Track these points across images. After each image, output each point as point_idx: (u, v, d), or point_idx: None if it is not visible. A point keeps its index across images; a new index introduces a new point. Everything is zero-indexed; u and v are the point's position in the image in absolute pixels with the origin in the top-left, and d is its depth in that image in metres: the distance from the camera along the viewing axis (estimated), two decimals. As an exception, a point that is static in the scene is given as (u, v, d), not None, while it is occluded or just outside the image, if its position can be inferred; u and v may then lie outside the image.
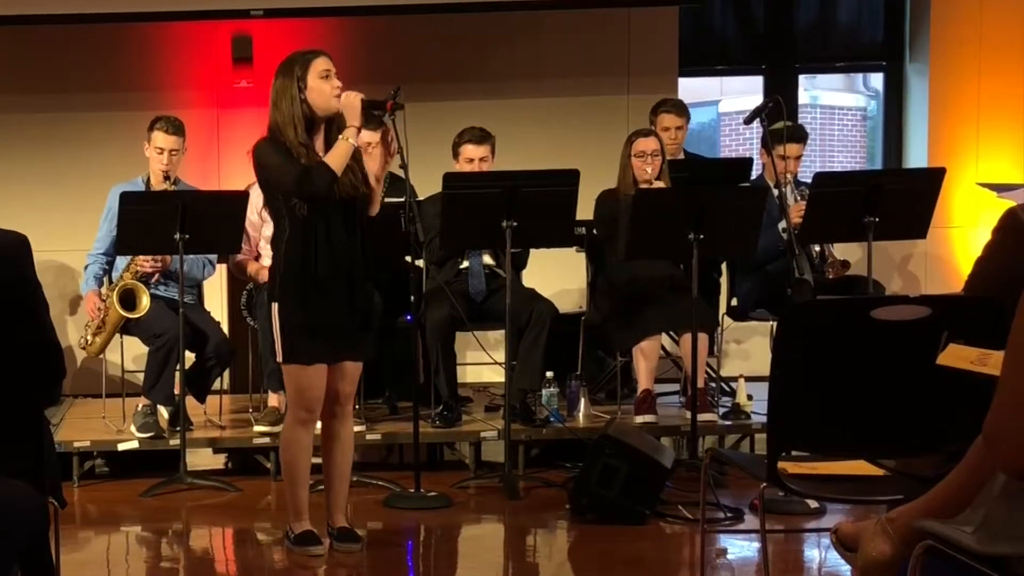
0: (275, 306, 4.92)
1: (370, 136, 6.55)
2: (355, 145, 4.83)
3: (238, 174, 7.46)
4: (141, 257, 6.41)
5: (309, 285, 4.85)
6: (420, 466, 5.91)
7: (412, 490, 5.83)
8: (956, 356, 2.76)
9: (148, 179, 6.57)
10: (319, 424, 5.07)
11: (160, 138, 6.45)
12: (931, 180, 6.32)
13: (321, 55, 4.91)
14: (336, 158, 4.80)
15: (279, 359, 4.98)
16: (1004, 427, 2.31)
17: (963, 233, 8.19)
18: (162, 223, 5.95)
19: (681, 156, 7.24)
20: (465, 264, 6.62)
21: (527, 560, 5.34)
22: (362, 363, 5.06)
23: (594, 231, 6.83)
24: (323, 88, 4.83)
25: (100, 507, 5.97)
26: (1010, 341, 2.31)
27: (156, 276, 6.47)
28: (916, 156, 8.56)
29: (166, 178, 6.43)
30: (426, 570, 5.21)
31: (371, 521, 5.56)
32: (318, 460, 5.11)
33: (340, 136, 4.83)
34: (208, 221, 6.04)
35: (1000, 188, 7.28)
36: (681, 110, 7.24)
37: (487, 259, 6.63)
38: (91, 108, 7.89)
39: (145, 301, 6.34)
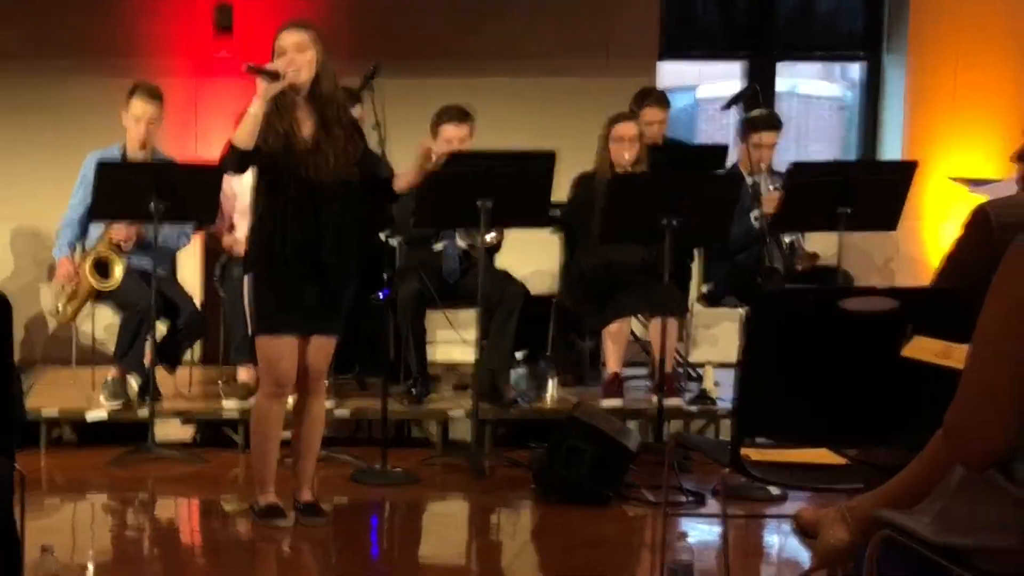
0: (247, 278, 4.94)
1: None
2: (257, 114, 4.72)
3: (216, 145, 7.42)
4: (116, 227, 6.38)
5: (278, 261, 4.86)
6: (387, 443, 5.93)
7: (379, 466, 5.85)
8: (921, 348, 2.80)
9: (124, 147, 6.54)
10: (291, 399, 5.09)
11: (138, 106, 6.42)
12: (903, 173, 6.36)
13: (286, 28, 4.86)
14: (239, 133, 4.75)
15: (250, 331, 5.00)
16: (964, 421, 2.34)
17: (934, 226, 8.23)
18: (138, 192, 5.93)
19: (661, 142, 7.25)
20: (439, 246, 6.61)
21: (491, 538, 5.37)
22: (334, 339, 5.06)
23: (564, 214, 6.82)
24: (278, 67, 4.79)
25: (67, 475, 5.96)
26: (975, 337, 2.34)
27: (130, 243, 6.42)
28: (891, 148, 8.59)
29: (143, 147, 6.40)
30: (390, 546, 5.23)
31: (337, 496, 5.57)
32: (287, 435, 5.12)
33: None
34: (184, 191, 6.03)
35: (973, 183, 7.32)
36: (664, 103, 7.26)
37: (460, 242, 6.62)
38: (68, 72, 7.82)
39: (119, 272, 6.32)
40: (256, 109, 4.73)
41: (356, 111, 6.53)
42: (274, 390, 4.98)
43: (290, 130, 4.82)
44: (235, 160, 4.82)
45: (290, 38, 4.81)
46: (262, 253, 4.91)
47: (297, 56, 4.79)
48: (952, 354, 2.70)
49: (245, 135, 4.74)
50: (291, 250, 4.85)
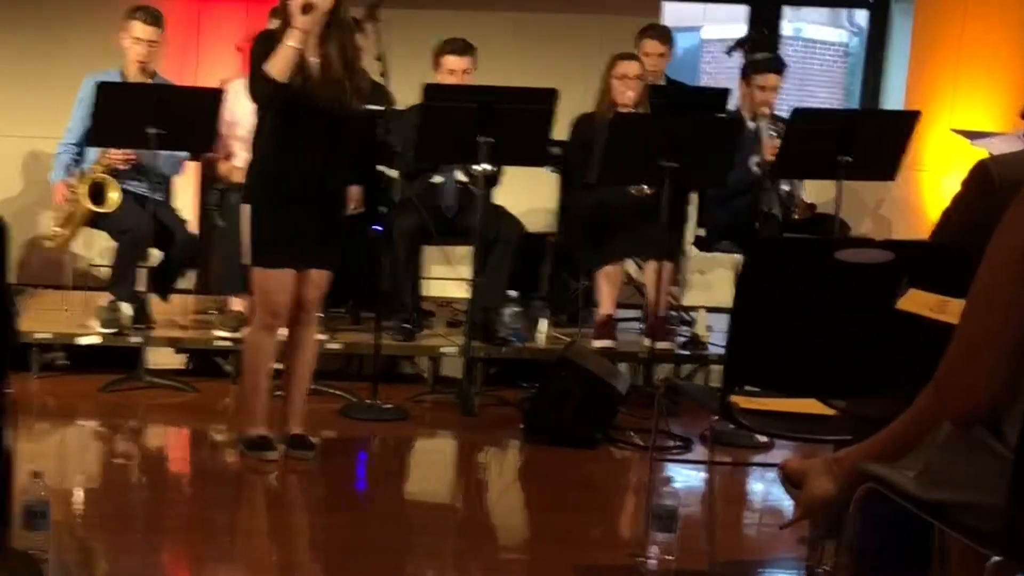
0: (245, 208, 4.91)
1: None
2: (297, 47, 4.67)
3: (217, 70, 7.38)
4: (113, 151, 6.34)
5: (278, 191, 4.83)
6: (378, 377, 5.93)
7: (368, 401, 5.85)
8: (916, 302, 2.78)
9: (123, 71, 6.47)
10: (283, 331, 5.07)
11: (138, 28, 6.35)
12: (905, 123, 6.33)
13: None
14: (275, 63, 4.68)
15: (246, 261, 4.97)
16: (955, 375, 2.33)
17: (934, 177, 8.21)
18: (137, 117, 5.87)
19: (662, 82, 7.20)
20: (438, 179, 6.59)
21: (478, 477, 5.38)
22: (329, 272, 5.04)
23: (564, 153, 6.79)
24: None
25: (58, 400, 5.96)
26: (970, 292, 2.32)
27: (127, 167, 6.38)
28: (893, 97, 8.55)
29: (143, 70, 6.35)
30: (377, 481, 5.24)
31: (326, 430, 5.57)
32: (279, 367, 5.12)
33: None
34: (183, 117, 5.97)
35: (974, 135, 7.28)
36: (665, 37, 7.19)
37: (459, 175, 6.60)
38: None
39: (115, 196, 6.28)
40: (294, 42, 4.67)
41: (359, 41, 6.50)
42: (269, 322, 4.95)
43: (307, 60, 4.76)
44: (269, 92, 4.74)
45: None
46: (265, 184, 4.87)
47: None
48: (947, 308, 2.68)
49: (283, 66, 4.68)
50: (297, 182, 4.81)
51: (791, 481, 2.83)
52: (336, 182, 4.88)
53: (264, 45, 4.77)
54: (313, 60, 4.79)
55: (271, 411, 5.07)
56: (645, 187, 6.30)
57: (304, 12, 4.66)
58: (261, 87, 4.75)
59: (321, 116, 4.77)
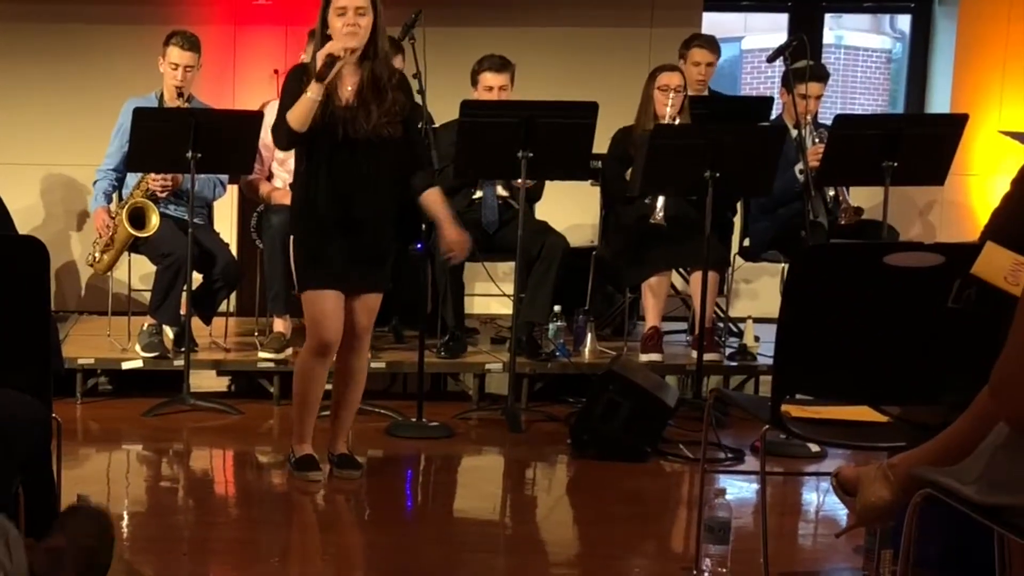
0: (291, 239, 4.93)
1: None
2: (316, 99, 4.65)
3: (253, 93, 7.40)
4: (152, 175, 6.36)
5: (313, 218, 4.83)
6: (423, 396, 5.90)
7: (414, 419, 5.82)
8: (991, 263, 2.70)
9: (161, 95, 6.50)
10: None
11: (175, 53, 6.37)
12: (953, 126, 6.23)
13: None
14: (294, 114, 4.69)
15: (296, 291, 4.98)
16: (1012, 378, 2.28)
17: (982, 181, 8.10)
18: (175, 141, 5.89)
19: (706, 93, 7.15)
20: (478, 195, 6.57)
21: (526, 493, 5.33)
22: (380, 296, 4.99)
23: (605, 166, 6.76)
24: (335, 25, 4.68)
25: (102, 425, 5.97)
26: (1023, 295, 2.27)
27: (166, 194, 6.42)
28: (939, 101, 8.46)
29: (179, 95, 6.36)
30: (424, 499, 5.20)
31: (372, 449, 5.55)
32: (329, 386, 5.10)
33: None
34: (221, 140, 5.99)
35: (1023, 137, 7.18)
36: (713, 46, 7.14)
37: (500, 190, 6.57)
38: (105, 20, 7.80)
39: (155, 220, 6.30)
40: (314, 94, 4.66)
41: (397, 60, 6.50)
42: (320, 348, 4.89)
43: (333, 91, 4.73)
44: (287, 141, 4.82)
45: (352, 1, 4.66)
46: (300, 213, 4.88)
47: (360, 20, 4.66)
48: (1021, 276, 2.62)
49: (301, 117, 4.68)
50: (325, 208, 4.79)
51: (845, 489, 2.78)
52: (368, 203, 4.83)
53: (293, 84, 4.78)
54: (346, 90, 4.76)
55: (317, 430, 5.04)
56: (659, 214, 6.26)
57: (321, 73, 4.64)
58: (280, 135, 4.82)
59: (352, 145, 4.75)
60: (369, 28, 4.70)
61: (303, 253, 4.87)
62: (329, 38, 4.70)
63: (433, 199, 5.00)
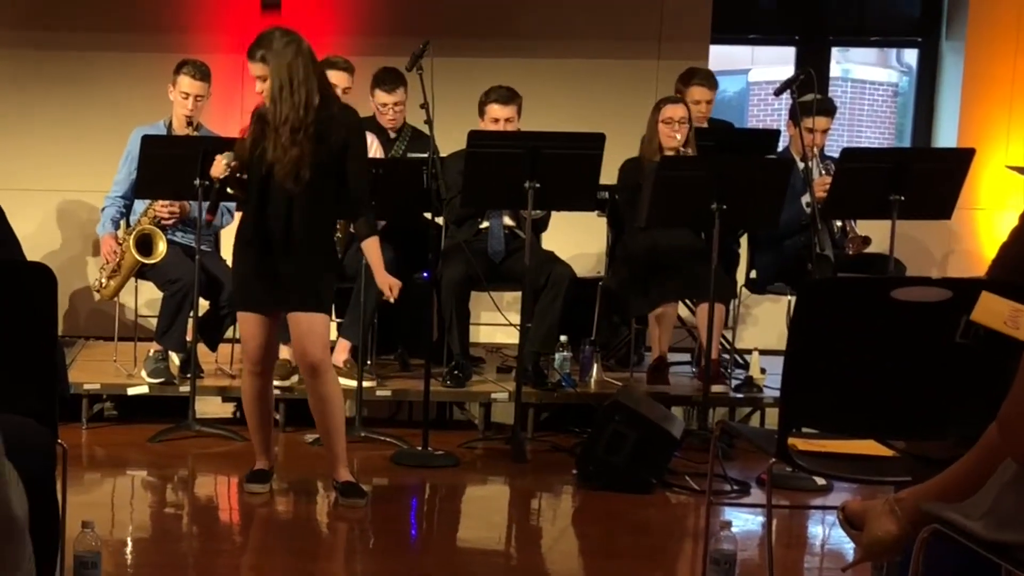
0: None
1: (385, 97, 6.58)
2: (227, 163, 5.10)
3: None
4: (159, 202, 6.38)
5: (242, 246, 5.06)
6: (429, 424, 5.90)
7: (419, 448, 5.82)
8: (989, 310, 2.70)
9: (170, 123, 6.53)
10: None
11: (186, 83, 6.40)
12: (960, 160, 6.25)
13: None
14: (214, 167, 5.20)
15: None
16: (1020, 414, 2.27)
17: (989, 216, 8.11)
18: (183, 168, 5.91)
19: (705, 125, 7.16)
20: (485, 224, 6.57)
21: (531, 523, 5.32)
22: (317, 318, 5.02)
23: (616, 197, 6.78)
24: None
25: (107, 450, 5.96)
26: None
27: (174, 222, 6.44)
28: (946, 135, 8.47)
29: (188, 123, 6.38)
30: (429, 528, 5.19)
31: (377, 477, 5.55)
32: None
33: None
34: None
35: (1030, 172, 7.19)
36: (712, 83, 7.16)
37: (507, 220, 6.58)
38: (115, 48, 7.83)
39: (162, 247, 6.33)
40: (219, 173, 5.14)
41: (399, 94, 6.54)
42: (249, 366, 5.15)
43: (257, 146, 4.99)
44: (212, 188, 5.36)
45: (253, 71, 4.96)
46: (235, 239, 5.12)
47: (263, 87, 4.94)
48: (1021, 322, 2.61)
49: (216, 173, 5.17)
50: (251, 234, 5.00)
51: (852, 523, 2.77)
52: (293, 231, 4.94)
53: (251, 125, 5.10)
54: (270, 143, 4.93)
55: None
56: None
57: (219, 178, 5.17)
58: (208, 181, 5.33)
59: (282, 188, 4.92)
60: (270, 89, 4.90)
61: (234, 277, 5.18)
62: None
63: (369, 249, 5.18)
